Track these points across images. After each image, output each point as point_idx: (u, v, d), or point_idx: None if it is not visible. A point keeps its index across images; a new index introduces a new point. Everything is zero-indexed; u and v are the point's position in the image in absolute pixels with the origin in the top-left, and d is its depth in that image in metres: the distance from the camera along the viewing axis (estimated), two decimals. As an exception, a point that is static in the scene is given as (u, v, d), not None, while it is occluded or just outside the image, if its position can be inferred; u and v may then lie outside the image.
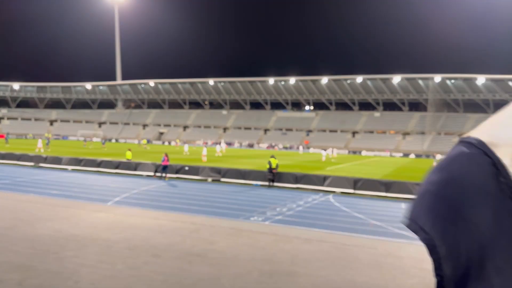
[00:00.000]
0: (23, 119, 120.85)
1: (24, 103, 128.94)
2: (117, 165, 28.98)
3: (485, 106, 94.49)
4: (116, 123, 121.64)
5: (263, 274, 8.79)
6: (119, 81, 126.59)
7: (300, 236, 12.32)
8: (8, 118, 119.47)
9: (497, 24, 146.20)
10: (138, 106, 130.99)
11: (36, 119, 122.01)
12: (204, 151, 42.53)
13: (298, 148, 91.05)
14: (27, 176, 23.87)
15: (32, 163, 31.74)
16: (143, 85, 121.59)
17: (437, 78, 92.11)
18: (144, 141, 71.37)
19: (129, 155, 30.70)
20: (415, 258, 10.38)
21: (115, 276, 8.27)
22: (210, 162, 37.61)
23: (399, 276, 9.02)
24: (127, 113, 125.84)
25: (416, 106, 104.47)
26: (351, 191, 22.72)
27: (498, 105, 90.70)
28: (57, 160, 31.22)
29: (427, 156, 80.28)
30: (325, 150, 67.47)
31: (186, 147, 55.64)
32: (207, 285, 8.04)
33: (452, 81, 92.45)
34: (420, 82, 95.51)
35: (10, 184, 19.98)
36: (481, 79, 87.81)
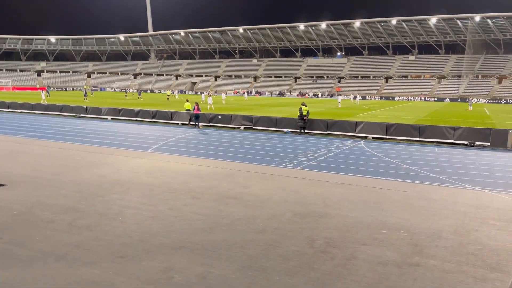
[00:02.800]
0: (61, 71, 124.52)
1: (61, 56, 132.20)
2: (154, 115, 29.84)
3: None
4: (150, 74, 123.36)
5: (296, 215, 9.16)
6: (150, 32, 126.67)
7: (331, 180, 12.58)
8: (47, 71, 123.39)
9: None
10: (170, 57, 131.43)
11: (73, 72, 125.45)
12: (210, 100, 43.26)
13: (322, 95, 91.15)
14: (70, 126, 24.87)
15: (73, 114, 33.01)
16: (174, 35, 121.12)
17: (477, 17, 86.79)
18: (168, 92, 72.28)
19: (187, 105, 31.04)
20: (448, 201, 10.45)
21: (157, 216, 8.84)
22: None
23: (431, 217, 9.12)
24: (160, 64, 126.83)
25: (453, 48, 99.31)
26: (384, 136, 22.59)
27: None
28: (97, 111, 32.34)
29: (463, 100, 77.45)
30: (341, 95, 68.05)
31: (203, 96, 61.54)
32: (243, 224, 8.49)
33: (493, 20, 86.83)
34: (458, 22, 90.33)
35: (55, 133, 20.93)
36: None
